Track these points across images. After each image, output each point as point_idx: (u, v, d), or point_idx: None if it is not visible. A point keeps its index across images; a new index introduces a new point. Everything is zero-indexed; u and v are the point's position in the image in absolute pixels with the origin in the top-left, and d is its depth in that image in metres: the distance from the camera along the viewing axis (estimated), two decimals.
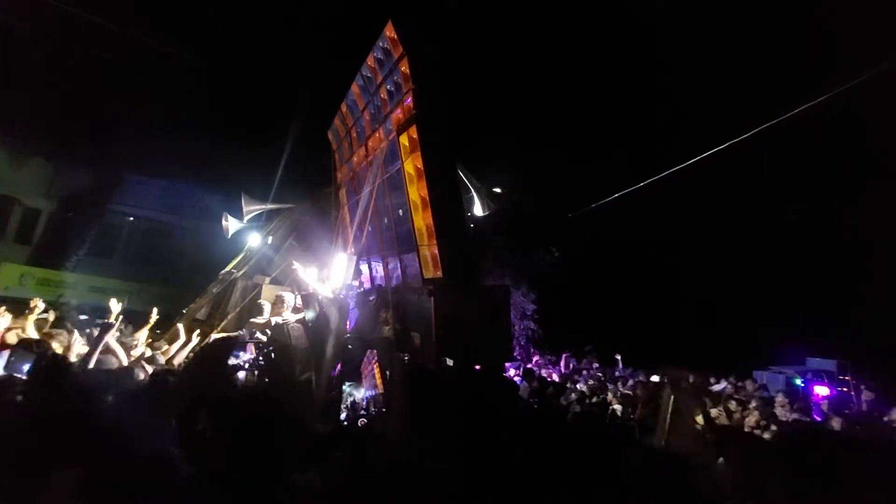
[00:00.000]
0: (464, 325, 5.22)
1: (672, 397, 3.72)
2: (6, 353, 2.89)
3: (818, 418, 6.14)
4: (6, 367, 2.41)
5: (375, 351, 5.25)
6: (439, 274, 5.76)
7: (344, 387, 4.87)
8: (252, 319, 6.19)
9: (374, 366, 5.14)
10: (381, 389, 4.87)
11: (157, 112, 15.34)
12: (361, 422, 4.46)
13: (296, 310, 6.17)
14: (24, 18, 10.83)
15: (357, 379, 5.27)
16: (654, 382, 7.45)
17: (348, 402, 4.95)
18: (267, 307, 6.42)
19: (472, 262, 6.61)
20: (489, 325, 5.62)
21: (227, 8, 14.87)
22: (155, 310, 5.46)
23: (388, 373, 4.77)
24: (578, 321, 14.52)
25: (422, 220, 6.00)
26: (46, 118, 14.89)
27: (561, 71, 15.80)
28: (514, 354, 10.11)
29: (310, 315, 5.30)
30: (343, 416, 4.59)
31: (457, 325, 5.17)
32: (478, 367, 5.28)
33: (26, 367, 2.13)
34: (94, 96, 14.65)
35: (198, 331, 5.60)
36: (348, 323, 5.91)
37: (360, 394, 5.13)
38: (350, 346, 5.29)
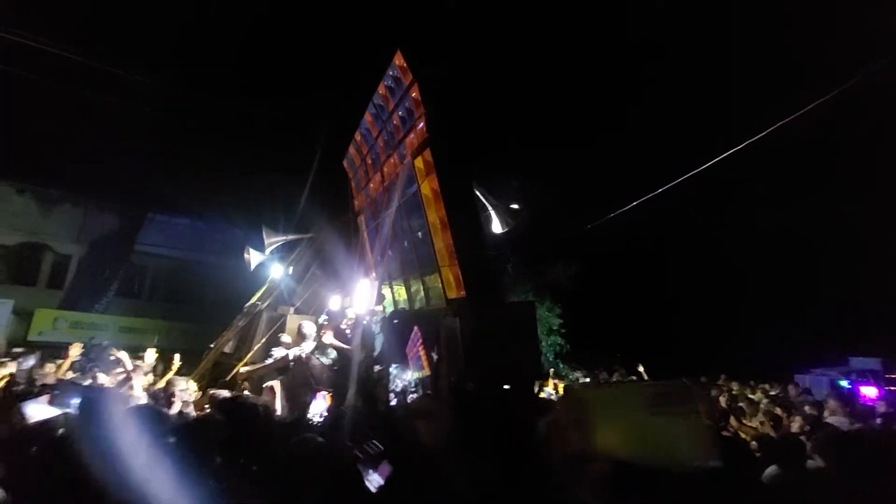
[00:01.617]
0: (490, 344, 5.15)
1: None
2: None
3: (875, 422, 5.82)
4: (51, 402, 2.44)
5: (420, 331, 5.12)
6: (463, 293, 5.73)
7: (391, 369, 4.75)
8: (268, 359, 6.12)
9: (420, 347, 5.01)
10: (427, 371, 4.74)
11: (176, 152, 15.87)
12: (410, 397, 4.35)
13: (318, 339, 6.13)
14: (43, 69, 11.39)
15: (403, 361, 5.13)
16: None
17: (396, 386, 4.83)
18: (287, 340, 6.39)
19: (495, 280, 6.57)
20: (516, 343, 5.54)
21: (241, 47, 15.45)
22: (177, 356, 5.57)
23: (433, 354, 4.65)
24: (606, 333, 14.22)
25: (442, 241, 6.02)
26: (72, 164, 15.53)
27: (575, 83, 15.88)
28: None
29: (331, 355, 5.29)
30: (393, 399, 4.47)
31: (483, 345, 5.11)
32: (506, 386, 5.17)
33: (73, 402, 2.16)
34: (116, 140, 15.22)
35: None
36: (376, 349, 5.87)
37: (408, 376, 5.00)
38: (396, 321, 5.17)
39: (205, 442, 1.98)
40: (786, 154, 12.91)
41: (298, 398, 5.13)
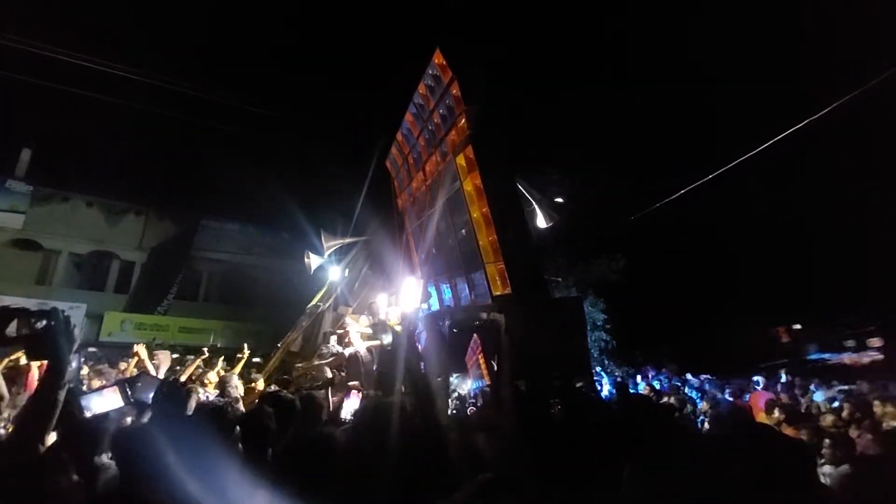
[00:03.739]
0: (539, 341, 5.08)
1: None
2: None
3: None
4: (133, 394, 2.60)
5: (479, 339, 5.08)
6: (508, 290, 5.69)
7: (451, 379, 4.73)
8: (321, 352, 6.28)
9: (479, 356, 4.98)
10: (487, 381, 4.69)
11: (230, 162, 16.61)
12: (470, 410, 4.32)
13: (366, 337, 6.22)
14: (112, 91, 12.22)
15: (462, 370, 5.10)
16: None
17: (455, 395, 4.80)
18: (334, 337, 6.53)
19: (540, 276, 6.48)
20: (564, 339, 5.44)
21: (286, 54, 15.99)
22: (245, 346, 5.74)
23: (494, 363, 4.61)
24: (654, 329, 13.74)
25: (486, 238, 6.00)
26: (136, 177, 16.64)
27: (618, 74, 15.49)
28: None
29: (386, 339, 5.35)
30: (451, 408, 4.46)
31: (533, 342, 5.05)
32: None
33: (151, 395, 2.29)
34: (175, 152, 16.17)
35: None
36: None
37: (468, 385, 4.97)
38: (456, 330, 5.14)
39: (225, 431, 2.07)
40: (848, 136, 12.03)
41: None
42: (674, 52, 15.31)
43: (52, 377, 1.65)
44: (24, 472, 1.55)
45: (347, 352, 5.55)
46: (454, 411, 4.50)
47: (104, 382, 4.93)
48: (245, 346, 5.73)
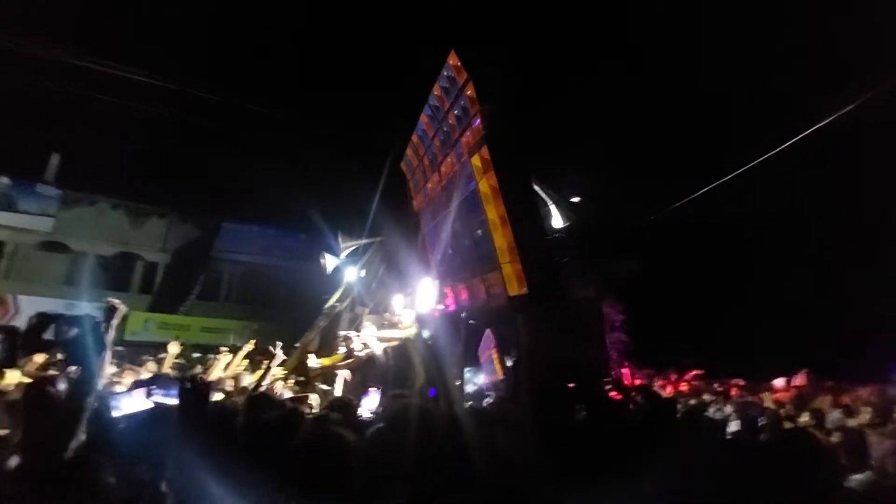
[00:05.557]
0: (557, 342, 5.04)
1: None
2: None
3: None
4: (149, 396, 2.62)
5: (494, 334, 5.12)
6: (525, 291, 5.66)
7: (465, 372, 4.81)
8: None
9: (493, 351, 5.03)
10: (500, 376, 4.76)
11: (251, 164, 16.86)
12: (486, 401, 4.36)
13: (383, 339, 6.20)
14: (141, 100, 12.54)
15: (475, 364, 5.16)
16: None
17: (470, 389, 4.86)
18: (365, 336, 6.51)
19: (557, 277, 6.42)
20: (583, 341, 5.40)
21: (299, 56, 16.12)
22: (279, 344, 5.61)
23: (507, 358, 4.64)
24: (677, 330, 13.46)
25: (502, 238, 5.97)
26: (160, 180, 17.03)
27: (635, 67, 15.19)
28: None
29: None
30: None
31: (550, 343, 5.00)
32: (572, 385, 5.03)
33: (172, 394, 2.31)
34: (198, 156, 16.47)
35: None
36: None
37: (481, 380, 5.04)
38: (471, 322, 5.18)
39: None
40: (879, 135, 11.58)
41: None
42: (695, 47, 14.95)
43: (78, 384, 1.67)
44: (51, 480, 1.56)
45: (365, 353, 5.57)
46: (470, 403, 4.53)
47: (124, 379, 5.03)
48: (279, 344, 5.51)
